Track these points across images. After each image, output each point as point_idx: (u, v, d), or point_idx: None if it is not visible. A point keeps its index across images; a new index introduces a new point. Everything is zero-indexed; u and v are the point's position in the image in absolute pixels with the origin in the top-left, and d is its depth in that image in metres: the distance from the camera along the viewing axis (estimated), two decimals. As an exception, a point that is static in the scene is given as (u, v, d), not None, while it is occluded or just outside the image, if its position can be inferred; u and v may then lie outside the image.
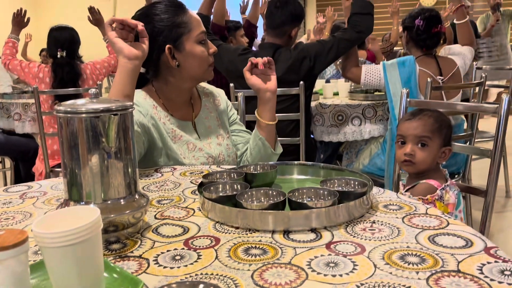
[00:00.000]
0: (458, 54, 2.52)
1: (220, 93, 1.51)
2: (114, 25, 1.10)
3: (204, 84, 1.51)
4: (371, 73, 2.40)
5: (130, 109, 0.76)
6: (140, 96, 1.30)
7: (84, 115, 0.72)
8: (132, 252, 0.73)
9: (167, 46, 1.25)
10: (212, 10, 2.67)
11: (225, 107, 1.49)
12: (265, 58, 1.30)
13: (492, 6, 5.80)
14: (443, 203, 1.36)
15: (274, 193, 0.87)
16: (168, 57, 1.27)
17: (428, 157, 1.40)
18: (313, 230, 0.78)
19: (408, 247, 0.71)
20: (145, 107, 1.27)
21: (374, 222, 0.81)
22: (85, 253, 0.55)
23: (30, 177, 3.01)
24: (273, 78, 1.33)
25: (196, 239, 0.77)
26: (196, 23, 1.29)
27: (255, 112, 1.37)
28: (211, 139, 1.38)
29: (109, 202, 0.75)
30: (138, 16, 1.28)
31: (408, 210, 0.86)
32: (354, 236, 0.76)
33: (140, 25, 1.10)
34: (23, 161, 3.21)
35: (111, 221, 0.74)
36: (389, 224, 0.80)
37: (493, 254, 0.67)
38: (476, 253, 0.68)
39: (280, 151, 1.43)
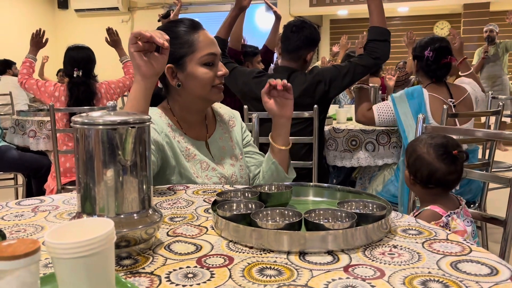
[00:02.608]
0: (468, 83, 2.52)
1: (235, 114, 1.51)
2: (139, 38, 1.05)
3: (219, 105, 1.51)
4: (383, 111, 2.40)
5: (148, 123, 0.76)
6: (156, 114, 1.30)
7: (101, 127, 0.71)
8: (143, 268, 0.71)
9: (167, 65, 1.25)
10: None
11: (240, 128, 1.48)
12: (284, 81, 1.27)
13: (484, 38, 5.91)
14: (449, 230, 1.32)
15: (290, 213, 0.85)
16: (168, 76, 1.27)
17: (404, 176, 1.49)
18: (329, 252, 0.76)
19: (429, 272, 0.68)
20: (160, 125, 1.27)
21: (393, 246, 0.79)
22: (97, 266, 0.54)
23: (42, 194, 3.02)
24: (290, 103, 1.30)
25: (209, 257, 0.75)
26: (204, 44, 1.27)
27: (269, 136, 1.36)
28: (224, 160, 1.37)
29: (122, 216, 0.73)
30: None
31: (428, 235, 0.84)
32: (373, 260, 0.73)
33: (166, 45, 1.06)
34: (35, 178, 3.22)
35: (123, 236, 0.72)
36: (408, 248, 0.78)
37: (520, 283, 0.64)
38: (502, 282, 0.65)
39: (293, 176, 1.41)
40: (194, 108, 1.34)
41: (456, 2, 7.35)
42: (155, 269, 0.70)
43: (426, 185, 1.38)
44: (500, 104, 2.38)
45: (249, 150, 1.48)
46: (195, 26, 1.28)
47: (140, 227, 0.74)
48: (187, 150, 1.29)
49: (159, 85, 1.40)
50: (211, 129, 1.40)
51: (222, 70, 1.29)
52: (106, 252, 0.55)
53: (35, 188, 3.22)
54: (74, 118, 0.73)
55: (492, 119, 3.45)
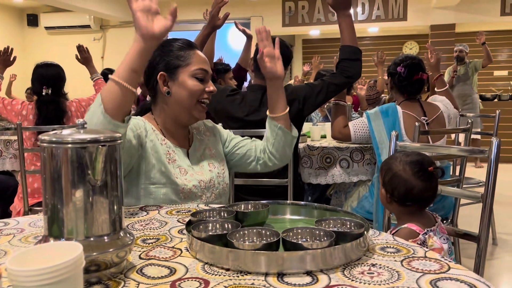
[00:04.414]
0: (441, 101, 2.58)
1: (207, 123, 1.55)
2: None
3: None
4: (359, 128, 2.43)
5: (119, 141, 0.73)
6: (140, 119, 1.34)
7: (70, 145, 0.68)
8: (114, 294, 0.67)
9: (160, 73, 1.33)
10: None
11: (218, 136, 1.52)
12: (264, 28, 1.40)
13: (454, 58, 6.11)
14: (427, 248, 1.32)
15: (268, 232, 0.83)
16: (160, 82, 1.33)
17: (380, 195, 1.46)
18: (308, 273, 0.74)
19: (410, 292, 0.67)
20: (145, 126, 1.32)
21: (372, 265, 0.77)
22: (63, 294, 0.50)
23: (7, 216, 2.89)
24: (280, 62, 1.41)
25: (184, 281, 0.72)
26: (197, 60, 1.35)
27: (267, 112, 1.45)
28: (203, 167, 1.39)
29: (91, 239, 0.70)
30: None
31: (406, 253, 0.83)
32: (352, 280, 0.71)
33: (175, 5, 1.07)
34: (0, 199, 3.09)
35: (93, 260, 0.68)
36: (388, 267, 0.76)
37: (500, 300, 0.63)
38: (482, 299, 0.64)
39: (296, 133, 1.51)
40: (178, 120, 1.38)
41: (423, 23, 7.58)
42: (126, 295, 0.67)
43: (404, 203, 1.38)
44: (469, 121, 2.43)
45: (238, 141, 1.54)
46: (191, 44, 1.39)
47: (110, 250, 0.70)
48: (168, 154, 1.32)
49: (148, 99, 1.48)
50: (191, 142, 1.44)
51: (211, 87, 1.37)
52: (74, 279, 0.52)
53: (0, 210, 3.10)
54: (41, 136, 0.70)
55: (462, 136, 3.55)
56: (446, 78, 6.30)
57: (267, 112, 1.47)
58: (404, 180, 1.36)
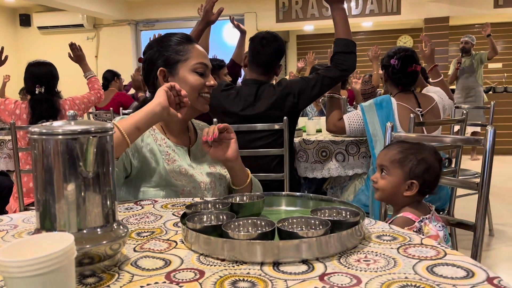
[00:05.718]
0: (435, 92, 2.58)
1: None
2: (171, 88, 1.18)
3: (198, 121, 1.54)
4: (354, 121, 2.43)
5: (110, 132, 0.72)
6: None
7: (60, 136, 0.67)
8: (108, 286, 0.66)
9: (160, 68, 1.33)
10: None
11: None
12: (217, 126, 1.26)
13: (460, 49, 6.09)
14: (423, 235, 1.32)
15: (263, 223, 0.82)
16: (159, 78, 1.33)
17: (387, 185, 1.40)
18: (304, 261, 0.74)
19: (406, 278, 0.67)
20: None
21: (368, 252, 0.77)
22: (56, 284, 0.50)
23: (3, 217, 2.88)
24: (232, 143, 1.29)
25: (179, 272, 0.71)
26: (196, 54, 1.34)
27: (230, 184, 1.39)
28: (203, 168, 1.38)
29: (84, 231, 0.69)
30: (151, 41, 1.40)
31: (403, 241, 0.82)
32: (348, 268, 0.71)
33: (187, 100, 1.19)
34: (-4, 199, 3.08)
35: (86, 252, 0.67)
36: (384, 254, 0.76)
37: (497, 285, 0.63)
38: (479, 284, 0.64)
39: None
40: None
41: (417, 16, 7.58)
42: (121, 287, 0.66)
43: (423, 191, 1.38)
44: (464, 112, 2.43)
45: None
46: (189, 38, 1.37)
47: (104, 242, 0.69)
48: (167, 155, 1.31)
49: (147, 94, 1.46)
50: (193, 140, 1.43)
51: (211, 82, 1.36)
52: (66, 269, 0.51)
53: (-5, 210, 3.08)
54: (31, 128, 0.69)
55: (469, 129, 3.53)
56: (451, 70, 6.28)
57: (230, 184, 1.39)
58: (435, 169, 1.38)
